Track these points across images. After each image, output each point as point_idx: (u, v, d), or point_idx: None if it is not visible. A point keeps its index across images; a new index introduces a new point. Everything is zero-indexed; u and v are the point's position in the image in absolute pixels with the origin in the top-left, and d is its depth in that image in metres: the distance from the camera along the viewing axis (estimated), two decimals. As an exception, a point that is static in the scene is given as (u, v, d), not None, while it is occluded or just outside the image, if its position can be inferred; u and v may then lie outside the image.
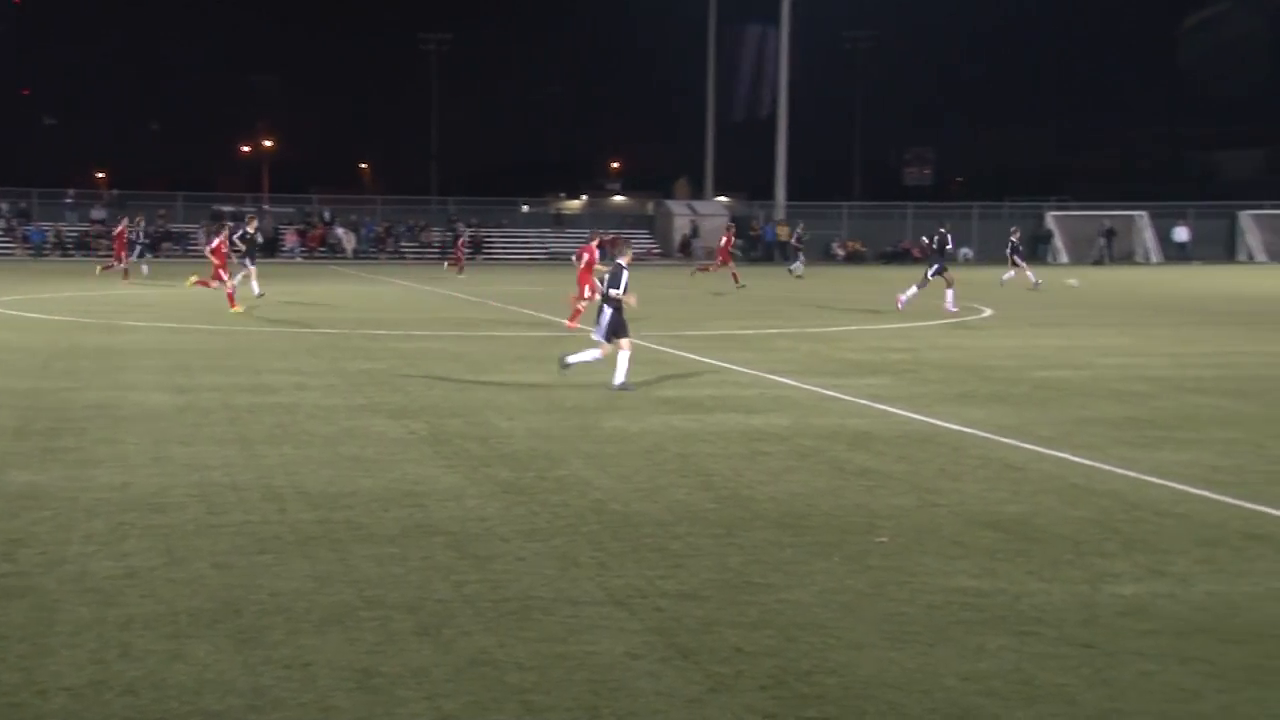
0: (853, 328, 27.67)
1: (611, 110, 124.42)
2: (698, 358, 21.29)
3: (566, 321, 26.72)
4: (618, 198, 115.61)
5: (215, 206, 73.10)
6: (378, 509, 10.05)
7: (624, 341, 17.06)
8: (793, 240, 57.43)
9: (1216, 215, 78.53)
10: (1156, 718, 5.94)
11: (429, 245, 73.96)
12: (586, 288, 26.33)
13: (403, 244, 73.80)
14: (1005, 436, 13.49)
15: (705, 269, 46.58)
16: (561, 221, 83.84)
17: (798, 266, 53.21)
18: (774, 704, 6.15)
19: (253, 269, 34.41)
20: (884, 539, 9.24)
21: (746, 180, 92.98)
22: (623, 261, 17.61)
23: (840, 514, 10.01)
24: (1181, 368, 20.00)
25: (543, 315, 30.54)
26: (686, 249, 74.35)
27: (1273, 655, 6.75)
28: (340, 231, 73.56)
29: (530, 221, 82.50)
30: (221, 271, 30.88)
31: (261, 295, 33.49)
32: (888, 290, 35.28)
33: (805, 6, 74.95)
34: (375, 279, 48.87)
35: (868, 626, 7.28)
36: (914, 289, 31.91)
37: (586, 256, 27.32)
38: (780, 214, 75.36)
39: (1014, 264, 44.61)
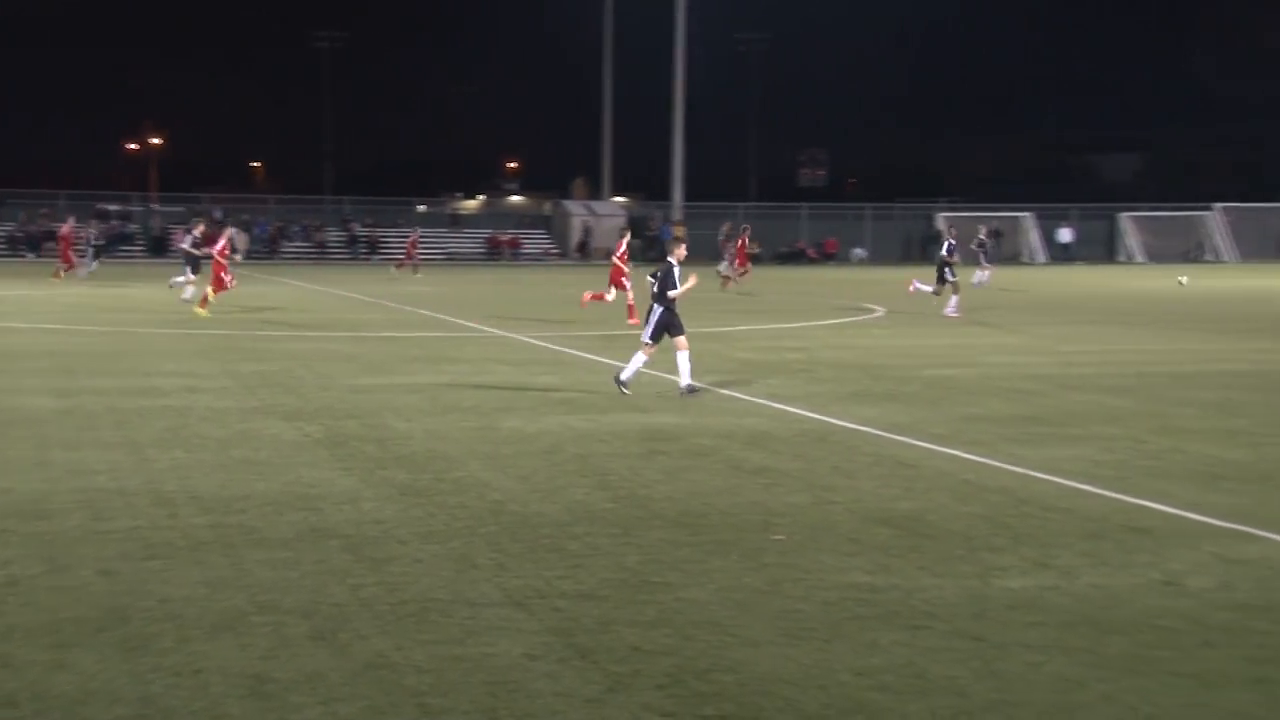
0: (748, 327, 27.86)
1: (509, 110, 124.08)
2: (596, 358, 21.29)
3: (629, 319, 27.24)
4: (515, 198, 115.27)
5: (99, 205, 71.43)
6: (271, 513, 9.90)
7: (680, 340, 16.39)
8: (720, 239, 57.74)
9: (1098, 217, 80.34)
10: (1042, 708, 6.05)
11: (323, 245, 73.11)
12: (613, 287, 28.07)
13: (296, 244, 72.84)
14: (898, 434, 13.67)
15: (728, 280, 42.24)
16: (458, 222, 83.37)
17: (724, 265, 53.57)
18: (672, 702, 6.17)
19: (194, 277, 33.70)
20: (780, 537, 9.31)
21: (644, 180, 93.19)
22: (674, 260, 16.72)
23: (737, 512, 10.07)
24: (1065, 366, 20.43)
25: (439, 316, 30.35)
26: (584, 249, 74.36)
27: (1151, 645, 6.91)
28: (232, 231, 72.35)
29: (427, 221, 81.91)
30: (223, 274, 29.98)
31: (188, 301, 32.77)
32: (783, 290, 35.53)
33: (700, 8, 75.29)
34: (269, 279, 48.15)
35: (764, 624, 7.33)
36: (956, 293, 31.71)
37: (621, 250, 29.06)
38: (677, 214, 75.57)
39: (981, 265, 43.59)
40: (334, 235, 75.10)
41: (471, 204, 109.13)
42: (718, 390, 17.25)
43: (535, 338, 24.92)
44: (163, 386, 17.09)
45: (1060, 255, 76.21)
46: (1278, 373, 19.25)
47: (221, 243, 31.03)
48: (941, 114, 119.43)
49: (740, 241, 44.49)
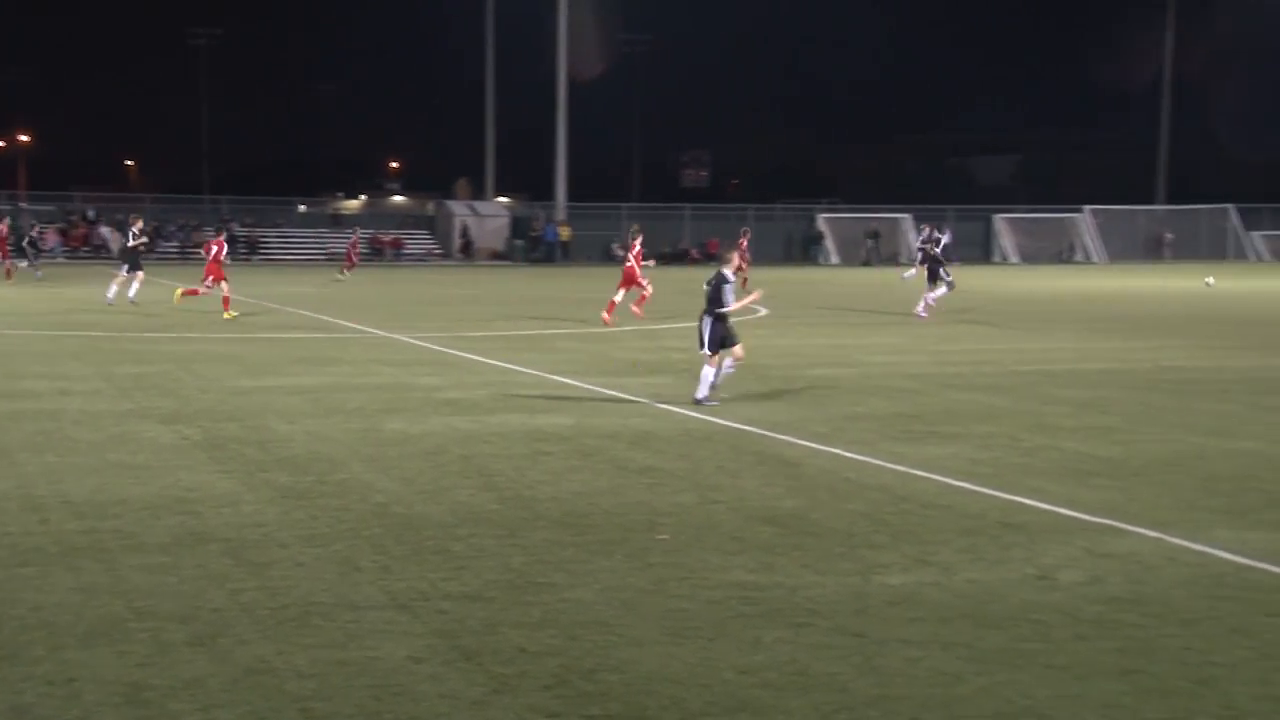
0: (633, 328, 27.92)
1: (391, 109, 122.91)
2: (480, 359, 21.19)
3: (634, 309, 28.88)
4: (397, 198, 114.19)
5: None
6: (148, 517, 9.70)
7: (737, 350, 15.94)
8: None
9: (973, 218, 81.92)
10: (921, 702, 6.16)
11: (199, 246, 71.67)
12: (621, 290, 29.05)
13: (174, 244, 71.34)
14: (781, 433, 13.81)
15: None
16: (339, 222, 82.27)
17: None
18: (557, 703, 6.17)
19: (139, 274, 32.85)
20: (665, 536, 9.35)
21: (528, 181, 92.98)
22: (727, 271, 15.99)
23: (622, 512, 10.09)
24: (943, 365, 20.80)
25: (321, 317, 29.95)
26: (467, 250, 73.93)
27: (1026, 638, 7.07)
28: (105, 231, 70.70)
29: (307, 221, 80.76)
30: (220, 279, 29.23)
31: (134, 302, 31.88)
32: (668, 290, 35.65)
33: (582, 8, 75.34)
34: (146, 280, 47.10)
35: (649, 623, 7.36)
36: (942, 290, 31.26)
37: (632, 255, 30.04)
38: (561, 215, 75.54)
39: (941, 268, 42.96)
40: (212, 235, 73.60)
41: (353, 204, 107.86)
42: (603, 391, 17.27)
43: (418, 338, 24.72)
44: (34, 389, 16.64)
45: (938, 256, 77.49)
46: (1146, 371, 19.80)
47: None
48: (823, 117, 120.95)
49: (741, 244, 44.92)
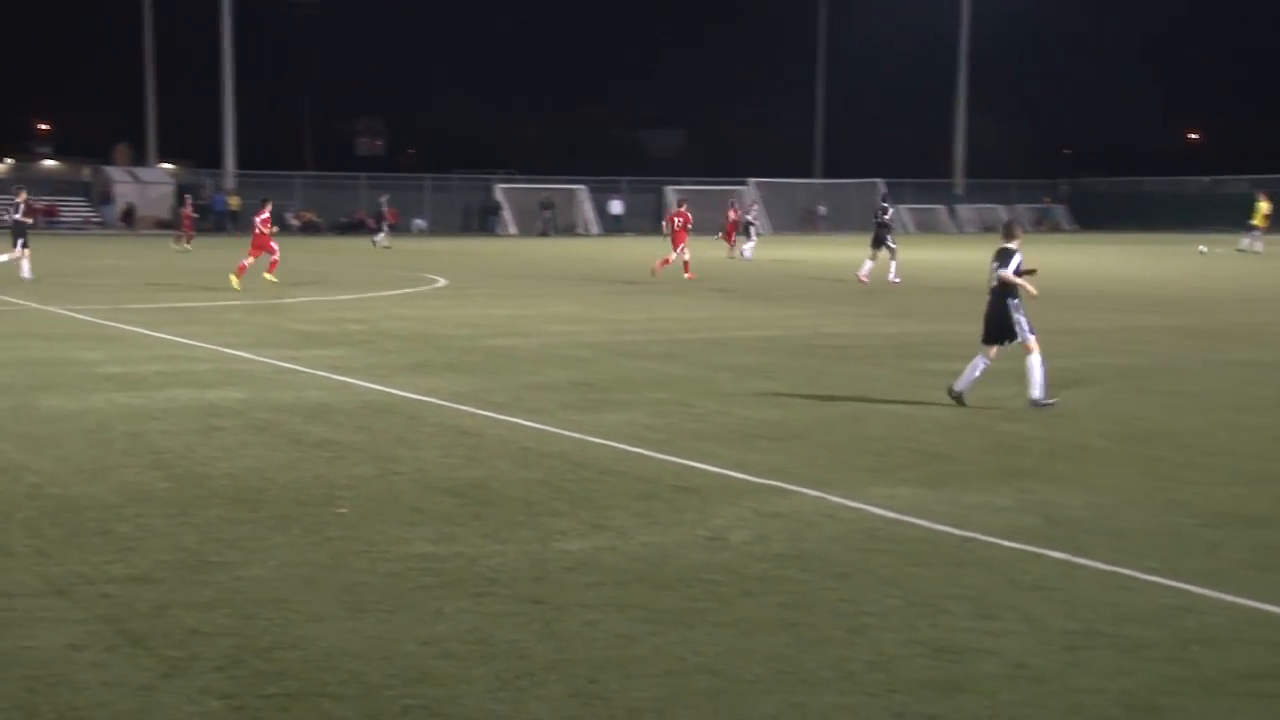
0: (308, 299, 27.28)
1: (38, 68, 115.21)
2: (146, 332, 20.26)
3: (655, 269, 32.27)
4: (48, 161, 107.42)
5: None
6: None
7: (995, 350, 13.83)
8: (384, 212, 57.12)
9: (646, 190, 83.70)
10: (599, 663, 6.29)
11: None
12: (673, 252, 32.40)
13: None
14: (461, 404, 13.78)
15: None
16: (-14, 185, 76.81)
17: (382, 238, 53.89)
18: (231, 684, 6.00)
19: (26, 250, 30.50)
20: (344, 510, 9.20)
21: (193, 147, 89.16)
22: (1014, 246, 13.79)
23: (299, 486, 9.87)
24: (617, 333, 21.20)
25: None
26: (129, 218, 70.40)
27: (698, 598, 7.31)
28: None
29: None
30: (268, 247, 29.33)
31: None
32: (343, 261, 34.96)
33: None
34: None
35: (328, 598, 7.24)
36: (868, 263, 32.56)
37: (680, 220, 33.82)
38: (230, 183, 72.90)
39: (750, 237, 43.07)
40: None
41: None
42: (277, 364, 16.82)
43: (77, 311, 23.42)
44: None
45: (612, 226, 78.88)
46: (805, 337, 20.72)
47: (265, 214, 30.55)
48: (499, 88, 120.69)
49: (732, 215, 46.59)
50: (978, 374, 13.82)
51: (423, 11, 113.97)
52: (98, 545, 8.20)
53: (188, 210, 52.03)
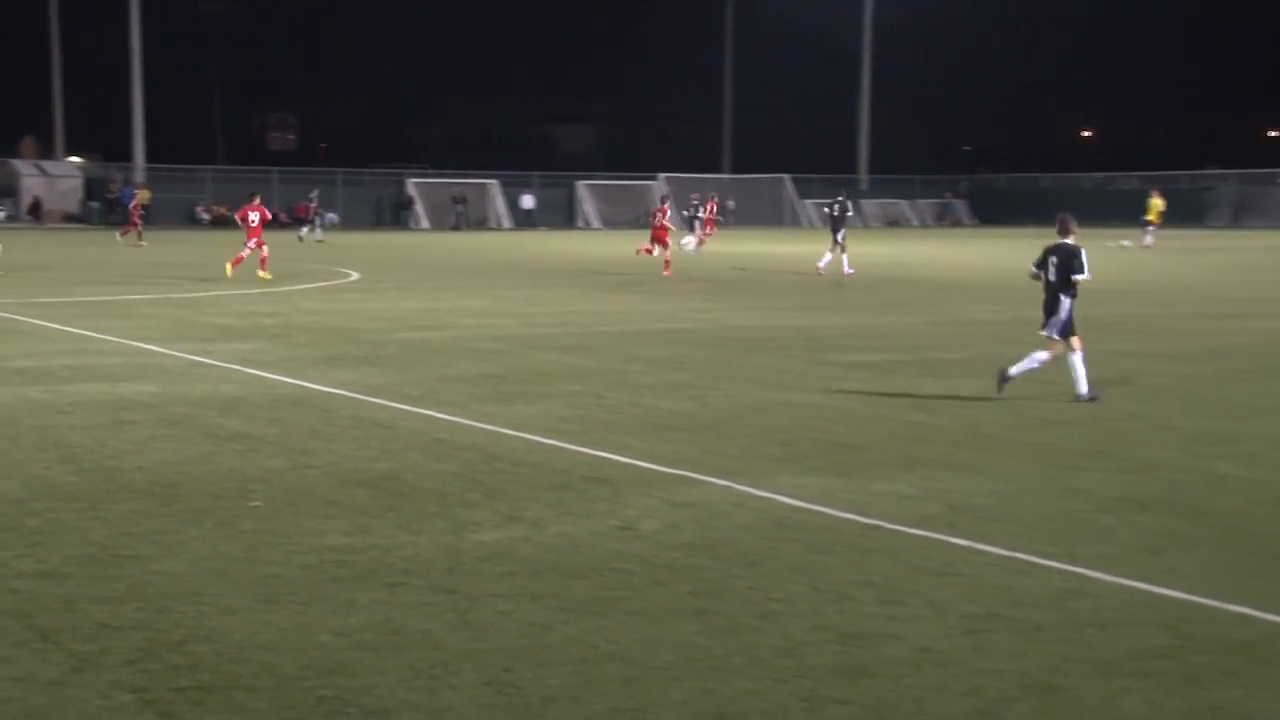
0: (221, 292, 26.87)
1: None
2: (56, 326, 19.83)
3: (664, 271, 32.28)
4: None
5: None
6: None
7: (1075, 340, 13.61)
8: (313, 207, 56.32)
9: (557, 185, 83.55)
10: (513, 652, 6.26)
11: None
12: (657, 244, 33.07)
13: None
14: (374, 396, 13.65)
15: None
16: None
17: (316, 232, 53.35)
18: (143, 677, 5.89)
19: None
20: (258, 503, 9.08)
21: (102, 141, 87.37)
22: (1072, 241, 13.63)
23: (213, 480, 9.72)
24: (531, 326, 21.13)
25: None
26: (36, 212, 68.82)
27: (610, 587, 7.31)
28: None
29: None
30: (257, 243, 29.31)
31: None
32: (255, 254, 34.47)
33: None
34: None
35: (242, 591, 7.13)
36: (828, 255, 33.55)
37: (660, 216, 33.88)
38: (140, 176, 71.57)
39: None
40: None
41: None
42: (191, 357, 16.54)
43: (-15, 304, 22.86)
44: None
45: (524, 221, 78.61)
46: (714, 330, 20.79)
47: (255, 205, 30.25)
48: (411, 83, 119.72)
49: (710, 207, 47.29)
50: (1036, 366, 13.69)
51: (335, 8, 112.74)
52: (5, 540, 8.01)
53: (137, 204, 50.89)
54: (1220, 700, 5.75)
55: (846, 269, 33.79)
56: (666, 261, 33.19)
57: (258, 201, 31.34)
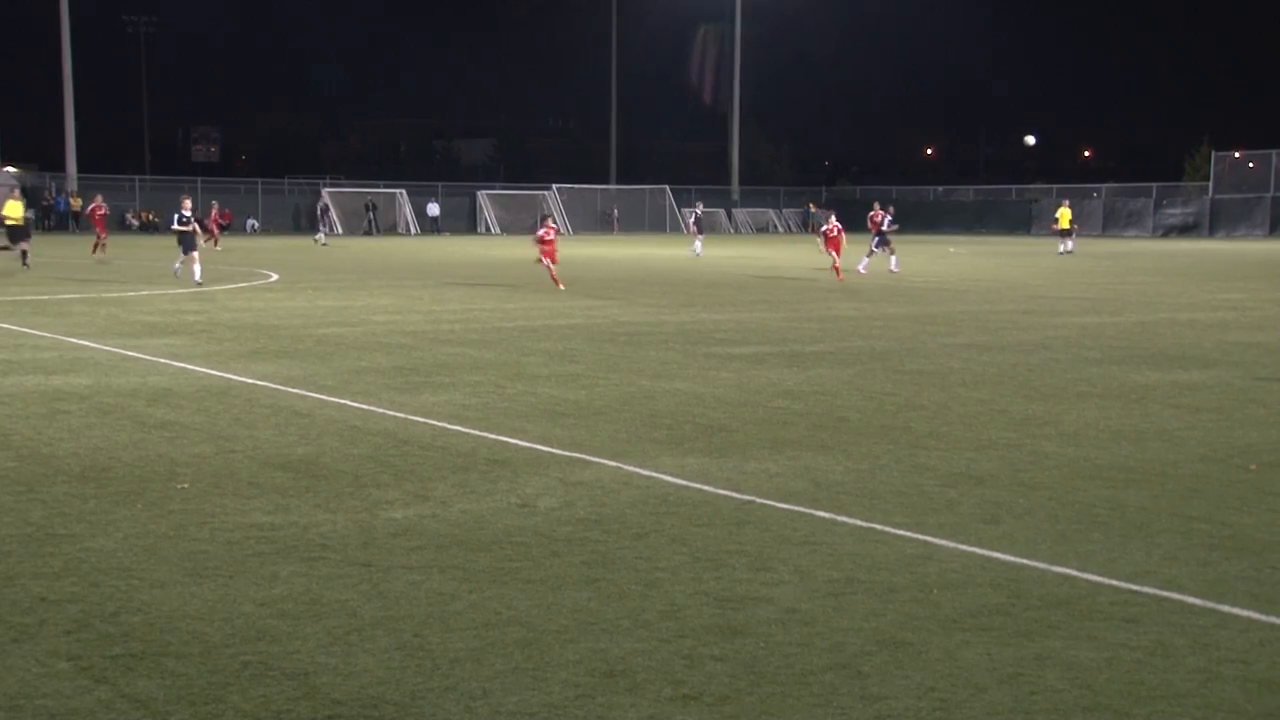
0: (148, 292, 26.19)
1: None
2: (-10, 322, 19.15)
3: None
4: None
5: None
6: None
7: None
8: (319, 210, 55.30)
9: (460, 193, 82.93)
10: (422, 619, 6.21)
11: None
12: None
13: None
14: (293, 387, 13.42)
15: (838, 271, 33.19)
16: None
17: (320, 236, 52.56)
18: (78, 646, 5.72)
19: None
20: (185, 485, 8.87)
21: (36, 150, 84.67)
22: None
23: (143, 464, 9.47)
24: (436, 323, 20.93)
25: None
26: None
27: (510, 558, 7.28)
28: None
29: None
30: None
31: None
32: (178, 257, 33.67)
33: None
34: None
35: (170, 566, 6.97)
36: (866, 258, 34.82)
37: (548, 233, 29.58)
38: (72, 185, 69.53)
39: (873, 249, 37.50)
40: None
41: None
42: (121, 352, 16.10)
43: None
44: None
45: (430, 227, 77.87)
46: (604, 326, 20.79)
47: (213, 213, 28.91)
48: (326, 99, 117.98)
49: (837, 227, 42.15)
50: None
51: (257, 27, 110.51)
52: (-54, 523, 7.73)
53: (99, 210, 44.56)
54: (1047, 650, 5.90)
55: (893, 267, 35.69)
56: (554, 277, 30.83)
57: (215, 208, 30.68)
